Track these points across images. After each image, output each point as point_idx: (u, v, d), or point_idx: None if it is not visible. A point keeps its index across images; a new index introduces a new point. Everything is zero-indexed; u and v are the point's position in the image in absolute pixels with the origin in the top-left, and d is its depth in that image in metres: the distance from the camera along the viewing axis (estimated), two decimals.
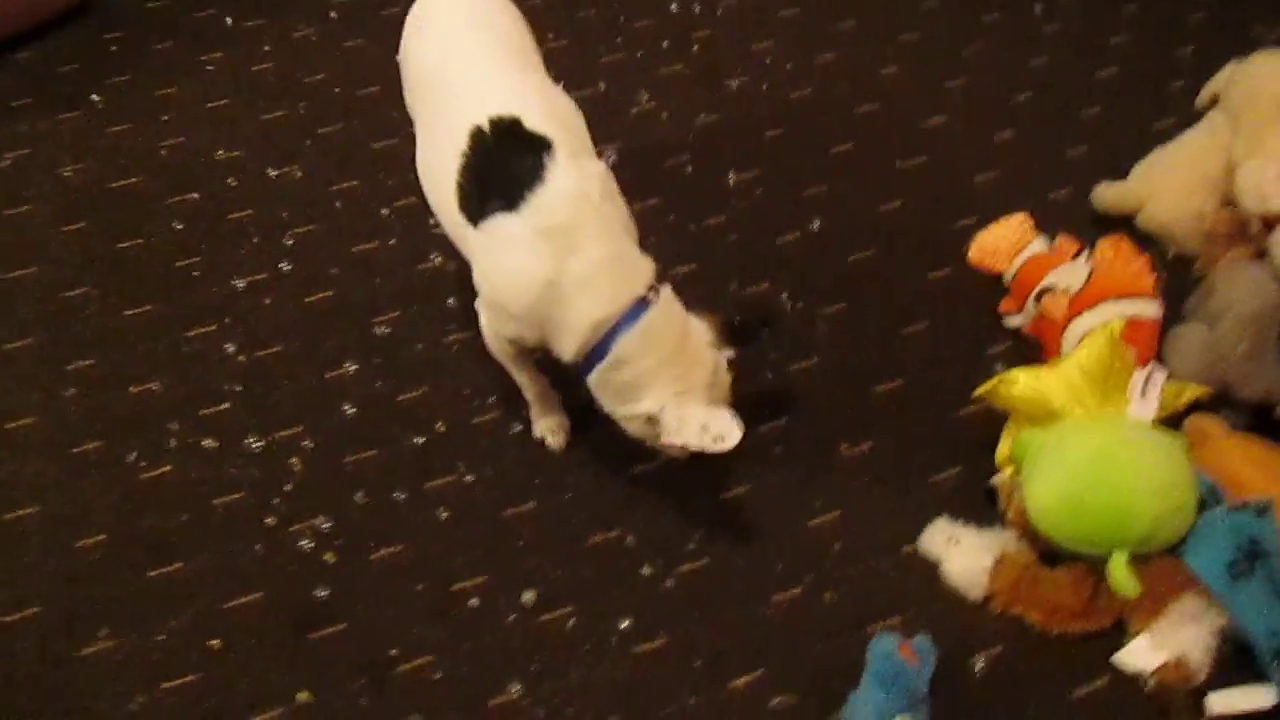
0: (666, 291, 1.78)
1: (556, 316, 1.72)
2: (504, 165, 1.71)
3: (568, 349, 1.75)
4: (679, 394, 1.73)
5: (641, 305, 1.72)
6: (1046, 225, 2.31)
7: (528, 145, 1.70)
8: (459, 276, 2.32)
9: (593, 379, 1.76)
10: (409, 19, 2.01)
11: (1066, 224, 2.31)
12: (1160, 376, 1.90)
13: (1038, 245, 2.25)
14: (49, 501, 2.05)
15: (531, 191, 1.67)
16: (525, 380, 1.99)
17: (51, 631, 1.89)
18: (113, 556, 1.97)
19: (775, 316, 2.24)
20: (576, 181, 1.69)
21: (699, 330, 1.83)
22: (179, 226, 2.48)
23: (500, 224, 1.70)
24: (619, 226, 1.77)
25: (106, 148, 2.66)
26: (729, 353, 1.87)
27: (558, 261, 1.68)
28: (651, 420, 1.75)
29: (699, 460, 2.02)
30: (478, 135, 1.73)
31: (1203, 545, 1.75)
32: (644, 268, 1.77)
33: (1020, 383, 1.87)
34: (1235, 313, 2.01)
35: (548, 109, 1.78)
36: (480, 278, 1.80)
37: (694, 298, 2.26)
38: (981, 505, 1.95)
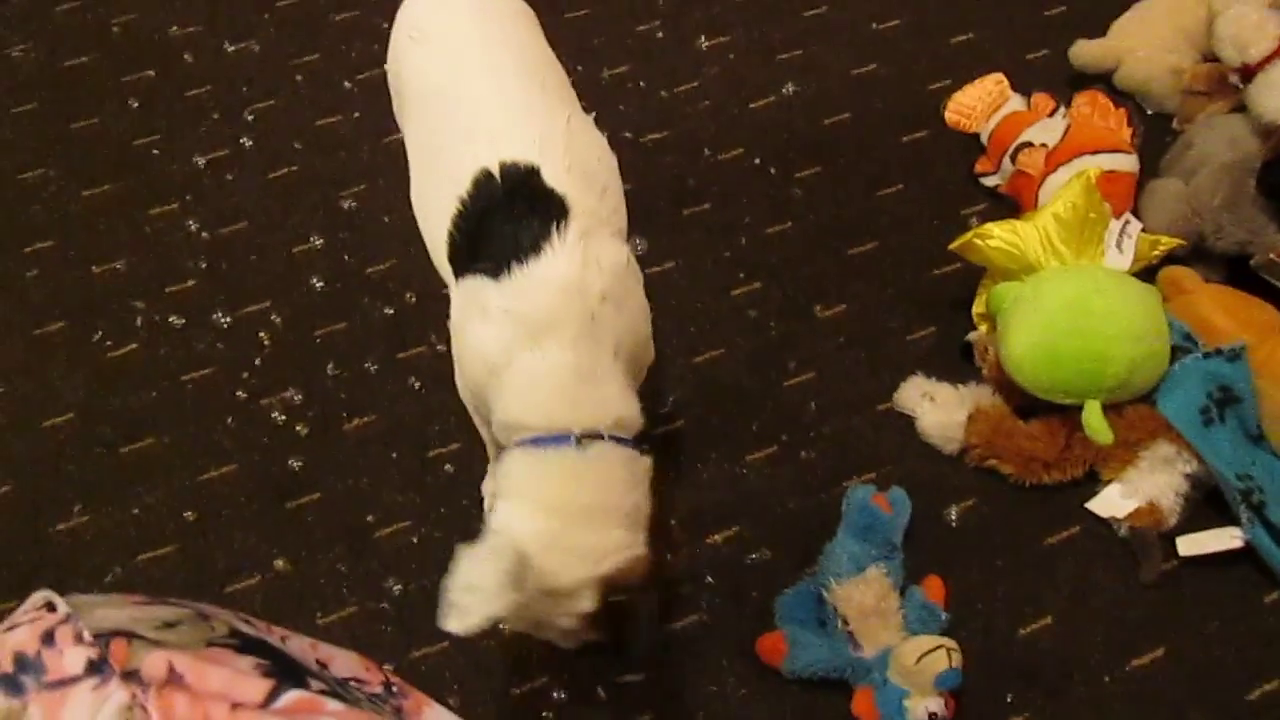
0: (610, 450, 1.41)
1: (491, 401, 1.47)
2: (504, 224, 1.43)
3: (491, 437, 1.56)
4: (523, 547, 1.32)
5: (563, 439, 1.39)
6: (1023, 86, 2.27)
7: (538, 206, 1.42)
8: None
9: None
10: (400, 24, 1.69)
11: (1044, 84, 2.27)
12: (1135, 227, 1.88)
13: (1014, 104, 2.21)
14: (15, 382, 2.03)
15: (521, 265, 1.40)
16: (487, 437, 1.71)
17: (25, 509, 1.88)
18: (83, 435, 1.96)
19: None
20: (576, 271, 1.40)
21: (614, 547, 1.38)
22: (135, 105, 2.41)
23: (478, 287, 1.44)
24: (609, 339, 1.43)
25: (56, 27, 2.57)
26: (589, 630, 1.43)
27: (512, 350, 1.42)
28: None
29: (670, 326, 2.01)
30: (485, 180, 1.44)
31: (1176, 391, 1.76)
32: (610, 404, 1.43)
33: (995, 235, 1.85)
34: (1212, 165, 1.99)
35: (575, 159, 1.47)
36: (450, 327, 1.57)
37: (665, 164, 2.25)
38: (957, 364, 1.95)
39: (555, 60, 1.66)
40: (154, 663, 0.79)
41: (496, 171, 1.43)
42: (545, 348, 1.40)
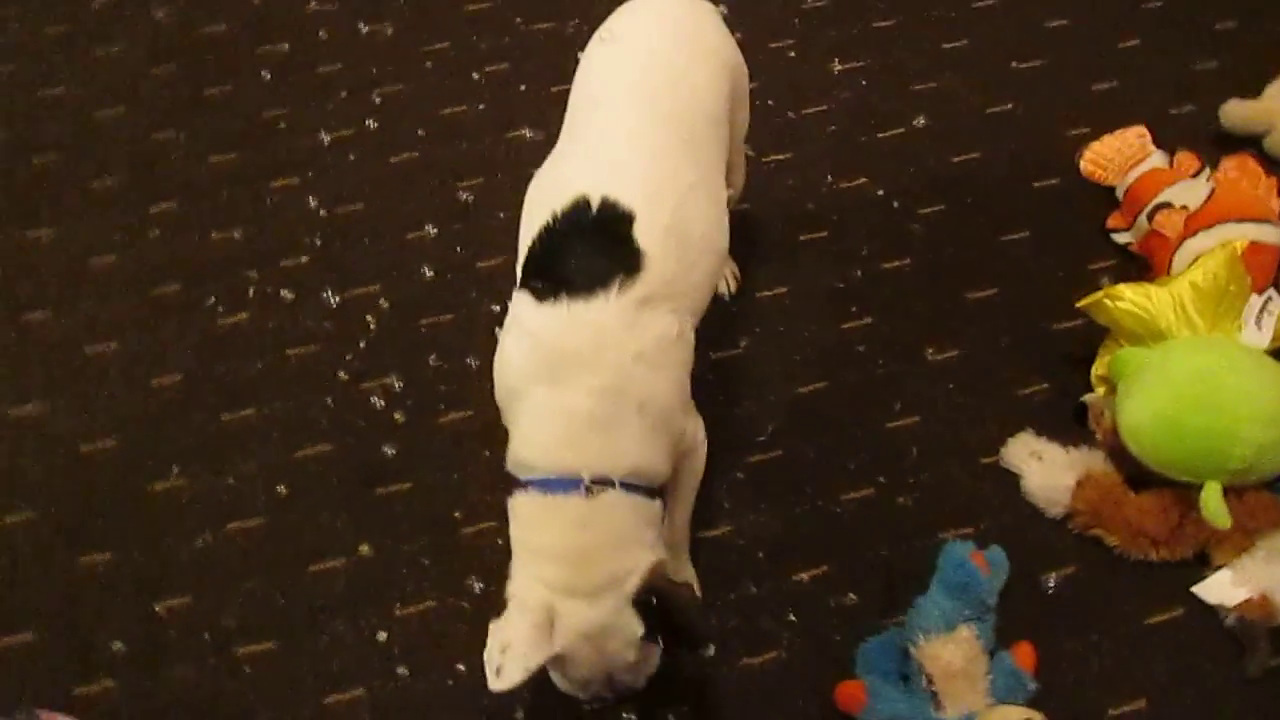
0: (620, 499, 1.37)
1: (507, 423, 1.47)
2: (575, 254, 1.40)
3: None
4: (546, 600, 1.34)
5: (572, 485, 1.35)
6: (1166, 141, 2.19)
7: (614, 253, 1.38)
8: (547, 149, 2.27)
9: None
10: (610, 20, 1.67)
11: (1188, 142, 2.19)
12: (1277, 304, 1.80)
13: (1155, 160, 2.13)
14: (128, 340, 2.07)
15: (570, 298, 1.37)
16: None
17: (125, 465, 1.92)
18: (187, 397, 1.99)
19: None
20: (618, 327, 1.37)
21: (633, 567, 1.36)
22: (267, 76, 2.46)
23: (523, 302, 1.43)
24: (634, 396, 1.38)
25: None
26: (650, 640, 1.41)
27: (531, 377, 1.40)
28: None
29: (775, 353, 1.98)
30: (581, 206, 1.41)
31: None
32: (625, 454, 1.38)
33: (1126, 298, 1.78)
34: None
35: (678, 223, 1.43)
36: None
37: (785, 187, 2.21)
38: (1069, 425, 1.88)
39: (725, 120, 1.61)
40: None
41: (594, 203, 1.40)
42: (564, 388, 1.37)
